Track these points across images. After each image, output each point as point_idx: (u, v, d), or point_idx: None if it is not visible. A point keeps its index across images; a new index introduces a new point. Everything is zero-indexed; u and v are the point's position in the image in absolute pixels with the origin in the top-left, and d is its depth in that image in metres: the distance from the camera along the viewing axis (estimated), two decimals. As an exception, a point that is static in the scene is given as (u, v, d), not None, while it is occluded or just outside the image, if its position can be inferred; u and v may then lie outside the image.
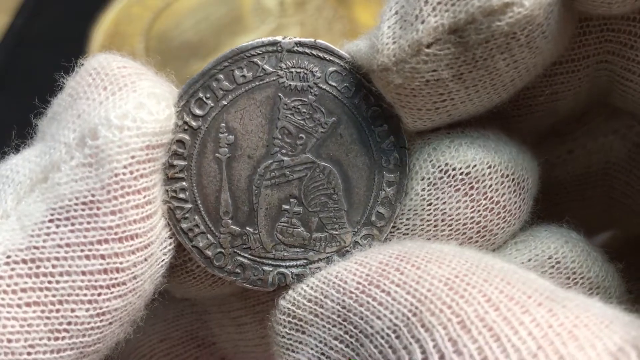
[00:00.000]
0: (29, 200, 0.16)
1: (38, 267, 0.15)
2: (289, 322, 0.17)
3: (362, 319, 0.15)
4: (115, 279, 0.16)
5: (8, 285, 0.15)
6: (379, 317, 0.15)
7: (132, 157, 0.16)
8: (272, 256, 0.20)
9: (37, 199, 0.16)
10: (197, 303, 0.24)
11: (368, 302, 0.15)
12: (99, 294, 0.16)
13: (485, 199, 0.19)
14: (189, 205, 0.19)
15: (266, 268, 0.20)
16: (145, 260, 0.17)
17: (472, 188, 0.19)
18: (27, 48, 0.52)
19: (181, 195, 0.19)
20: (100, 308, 0.16)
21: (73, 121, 0.16)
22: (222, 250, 0.19)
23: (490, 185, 0.19)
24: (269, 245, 0.20)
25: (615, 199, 0.24)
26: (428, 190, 0.19)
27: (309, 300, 0.17)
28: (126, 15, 0.55)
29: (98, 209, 0.15)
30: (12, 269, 0.15)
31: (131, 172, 0.16)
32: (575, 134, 0.24)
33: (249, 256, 0.20)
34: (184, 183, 0.19)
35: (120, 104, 0.16)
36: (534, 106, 0.21)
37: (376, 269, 0.16)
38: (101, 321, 0.16)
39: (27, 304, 0.15)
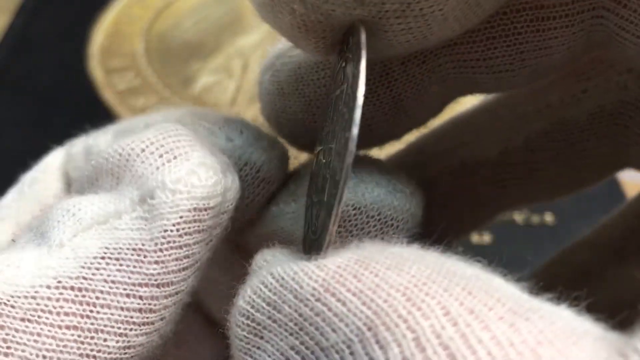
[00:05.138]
0: (85, 236, 0.18)
1: (84, 295, 0.17)
2: (247, 325, 0.17)
3: (317, 329, 0.15)
4: (147, 318, 0.18)
5: (54, 307, 0.17)
6: (334, 330, 0.14)
7: (181, 217, 0.18)
8: None
9: (94, 237, 0.18)
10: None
11: (323, 312, 0.15)
12: (131, 329, 0.18)
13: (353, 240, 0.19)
14: None
15: None
16: (174, 304, 0.18)
17: (345, 229, 0.20)
18: (27, 48, 0.52)
19: None
20: (129, 342, 0.18)
21: (135, 181, 0.19)
22: None
23: (357, 225, 0.20)
24: None
25: (630, 137, 0.24)
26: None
27: (268, 304, 0.16)
28: (126, 15, 0.55)
29: (145, 256, 0.18)
30: (61, 293, 0.17)
31: (177, 230, 0.18)
32: (589, 73, 0.23)
33: None
34: None
35: (174, 171, 0.18)
36: (527, 60, 0.21)
37: (333, 273, 0.15)
38: (126, 354, 0.18)
39: (67, 327, 0.17)
